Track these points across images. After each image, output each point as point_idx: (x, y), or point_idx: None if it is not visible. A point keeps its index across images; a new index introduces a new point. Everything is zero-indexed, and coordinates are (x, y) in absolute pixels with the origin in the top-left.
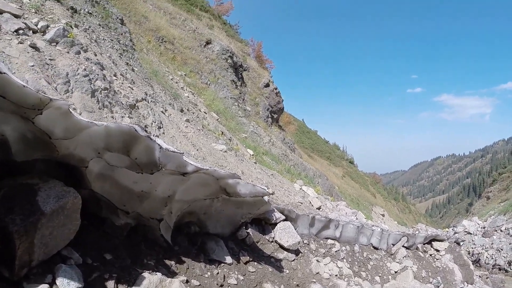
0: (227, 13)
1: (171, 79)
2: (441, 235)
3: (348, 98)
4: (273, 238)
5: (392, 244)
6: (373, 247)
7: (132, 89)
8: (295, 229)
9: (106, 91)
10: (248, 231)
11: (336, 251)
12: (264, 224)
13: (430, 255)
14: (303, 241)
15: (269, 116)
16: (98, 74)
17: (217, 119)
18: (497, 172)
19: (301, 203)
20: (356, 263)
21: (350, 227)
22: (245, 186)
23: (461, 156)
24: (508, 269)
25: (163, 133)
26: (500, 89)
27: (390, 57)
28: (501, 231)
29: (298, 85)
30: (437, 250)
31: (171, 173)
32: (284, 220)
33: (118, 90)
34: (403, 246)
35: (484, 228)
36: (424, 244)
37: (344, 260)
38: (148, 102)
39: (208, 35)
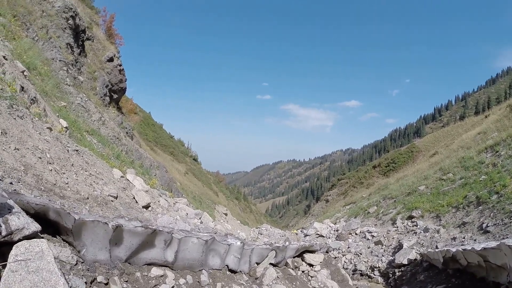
0: None
1: None
2: (314, 246)
3: (199, 96)
4: None
5: (257, 263)
6: (230, 270)
7: None
8: (81, 252)
9: None
10: None
11: None
12: None
13: (303, 272)
14: (96, 279)
15: (108, 94)
16: None
17: (23, 72)
18: (336, 178)
19: (115, 197)
20: None
21: (192, 243)
22: None
23: (301, 162)
24: (372, 274)
25: None
26: (343, 106)
27: (245, 60)
28: (356, 234)
29: (151, 76)
30: (311, 265)
31: None
32: (35, 233)
33: None
34: (270, 263)
35: (337, 231)
36: (294, 257)
37: None
38: None
39: None
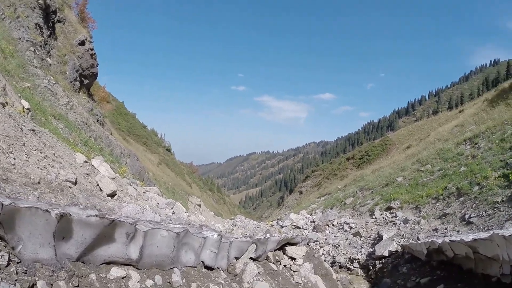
0: None
1: None
2: (296, 238)
3: (173, 85)
4: None
5: (235, 258)
6: (206, 267)
7: None
8: (16, 249)
9: None
10: None
11: None
12: None
13: (285, 266)
14: (35, 285)
15: (78, 79)
16: None
17: None
18: (309, 170)
19: (73, 183)
20: None
21: (161, 237)
22: None
23: (274, 153)
24: (351, 267)
25: None
26: (317, 98)
27: (221, 50)
28: (333, 225)
29: (124, 65)
30: (293, 259)
31: None
32: None
33: None
34: (250, 258)
35: (314, 222)
36: (275, 250)
37: None
38: None
39: None
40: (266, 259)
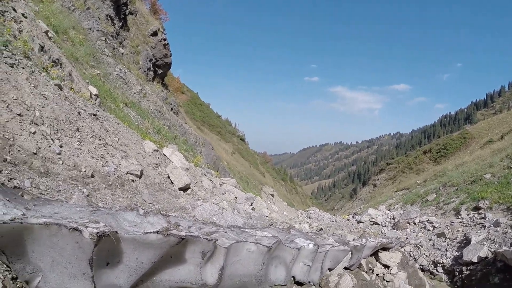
0: None
1: None
2: (391, 242)
3: (246, 77)
4: None
5: (329, 269)
6: (296, 283)
7: None
8: (32, 283)
9: None
10: None
11: None
12: None
13: (377, 275)
14: None
15: (152, 69)
16: None
17: (46, 32)
18: (384, 162)
19: (137, 176)
20: None
21: (248, 252)
22: None
23: (348, 145)
24: (434, 271)
25: None
26: (392, 89)
27: (295, 42)
28: (415, 223)
29: (197, 56)
30: (386, 266)
31: None
32: None
33: None
34: (344, 267)
35: (393, 219)
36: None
37: None
38: None
39: None
40: (358, 267)
